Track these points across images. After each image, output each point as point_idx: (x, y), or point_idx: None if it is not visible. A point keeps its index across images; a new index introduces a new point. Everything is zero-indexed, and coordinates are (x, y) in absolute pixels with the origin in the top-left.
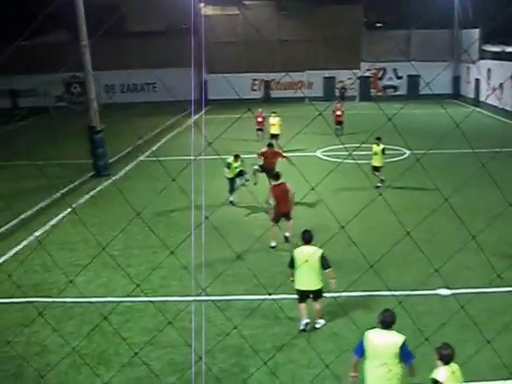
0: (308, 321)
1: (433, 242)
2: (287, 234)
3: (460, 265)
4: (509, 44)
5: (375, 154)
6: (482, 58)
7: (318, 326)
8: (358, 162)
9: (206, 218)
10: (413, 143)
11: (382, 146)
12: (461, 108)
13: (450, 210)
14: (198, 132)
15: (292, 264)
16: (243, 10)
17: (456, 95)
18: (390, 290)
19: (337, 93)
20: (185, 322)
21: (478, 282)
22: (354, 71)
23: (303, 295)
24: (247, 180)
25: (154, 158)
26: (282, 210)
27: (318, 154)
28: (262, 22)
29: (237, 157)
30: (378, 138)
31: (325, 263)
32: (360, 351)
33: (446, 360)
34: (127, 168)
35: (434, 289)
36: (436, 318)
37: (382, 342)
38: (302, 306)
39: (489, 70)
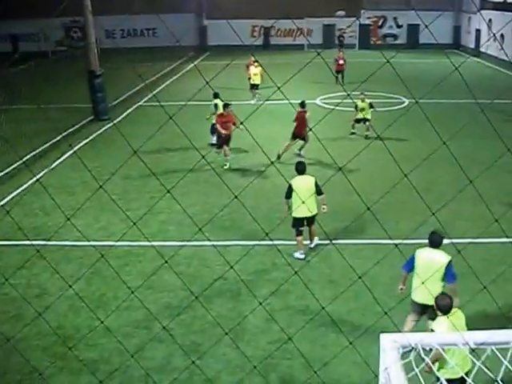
0: (306, 249)
1: (431, 190)
2: (301, 152)
3: (457, 214)
4: None
5: (362, 109)
6: (483, 8)
7: (312, 245)
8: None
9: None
10: (412, 92)
11: (368, 101)
12: (461, 58)
13: (448, 160)
14: (197, 78)
15: (289, 194)
16: None
17: (456, 45)
18: (388, 238)
19: (336, 40)
20: (182, 267)
21: (474, 232)
22: (354, 19)
23: (301, 224)
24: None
25: (154, 103)
26: (300, 131)
27: (318, 101)
28: None
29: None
30: (363, 94)
31: (319, 189)
32: (409, 267)
33: (445, 310)
34: (127, 112)
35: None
36: None
37: (430, 259)
38: (300, 238)
39: (490, 21)
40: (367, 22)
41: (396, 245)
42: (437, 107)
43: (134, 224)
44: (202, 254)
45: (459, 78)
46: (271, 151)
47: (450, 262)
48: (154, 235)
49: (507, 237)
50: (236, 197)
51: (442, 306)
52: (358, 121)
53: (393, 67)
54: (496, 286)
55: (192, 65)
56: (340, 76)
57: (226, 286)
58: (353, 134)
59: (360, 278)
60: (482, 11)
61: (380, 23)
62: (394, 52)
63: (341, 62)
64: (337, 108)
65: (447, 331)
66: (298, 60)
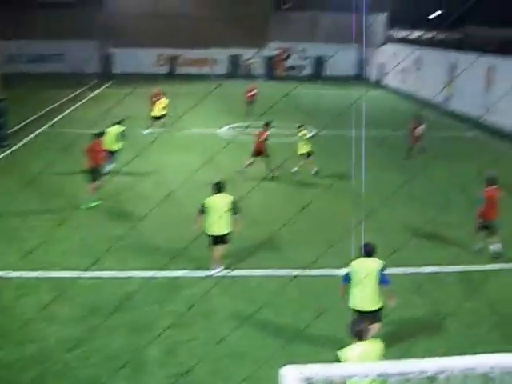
0: (218, 269)
1: (335, 221)
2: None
3: (359, 244)
4: (413, 29)
5: (302, 140)
6: (387, 41)
7: (211, 273)
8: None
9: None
10: (317, 123)
11: (305, 131)
12: (365, 90)
13: (352, 191)
14: (100, 105)
15: (203, 211)
16: None
17: (361, 77)
18: (289, 268)
19: (242, 71)
20: (81, 298)
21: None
22: (260, 50)
23: (214, 240)
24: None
25: (56, 130)
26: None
27: (221, 132)
28: None
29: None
30: (301, 126)
31: (236, 208)
32: (347, 279)
33: (358, 336)
34: (27, 139)
35: (333, 268)
36: (334, 296)
37: (365, 267)
38: (215, 251)
39: (393, 54)
40: (274, 53)
41: (295, 276)
42: (341, 138)
43: (31, 253)
44: (102, 285)
45: (363, 109)
46: (168, 180)
47: (383, 267)
48: (52, 265)
49: (408, 266)
50: (138, 224)
51: (355, 332)
52: (307, 155)
53: (288, 98)
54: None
55: (93, 93)
56: (251, 107)
57: (129, 318)
58: (316, 173)
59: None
60: (386, 45)
61: (286, 55)
62: (300, 83)
63: (252, 92)
64: (238, 139)
65: (357, 359)
66: (204, 90)
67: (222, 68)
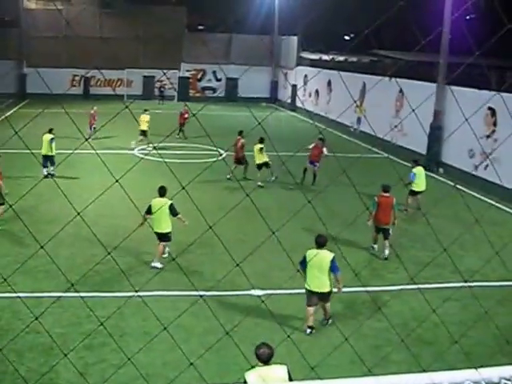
0: (160, 265)
1: (246, 242)
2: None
3: (272, 266)
4: (325, 52)
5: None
6: (299, 64)
7: (160, 266)
8: (172, 161)
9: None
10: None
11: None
12: (278, 112)
13: (264, 211)
14: (14, 125)
15: (149, 211)
16: (66, 5)
17: (274, 99)
18: (201, 290)
19: (156, 92)
20: None
21: (290, 283)
22: (173, 71)
23: (158, 237)
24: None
25: None
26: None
27: (136, 152)
28: (85, 18)
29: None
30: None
31: (173, 211)
32: (304, 265)
33: (263, 359)
34: None
35: (248, 289)
36: (250, 317)
37: (318, 256)
38: (158, 247)
39: (305, 76)
40: (187, 74)
41: (201, 296)
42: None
43: None
44: (14, 307)
45: (275, 131)
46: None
47: (334, 257)
48: None
49: None
50: (42, 247)
51: (259, 355)
52: (259, 167)
53: (198, 120)
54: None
55: (8, 113)
56: (182, 129)
57: (39, 340)
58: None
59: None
60: (298, 67)
61: (199, 76)
62: (212, 105)
63: (186, 115)
64: (154, 158)
65: (257, 380)
66: (117, 110)
67: (136, 89)
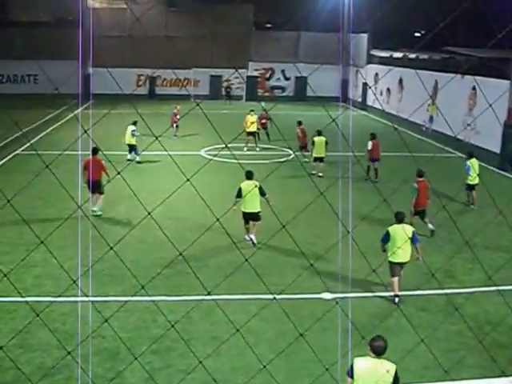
0: (253, 236)
1: (316, 244)
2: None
3: (344, 268)
4: (396, 49)
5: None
6: (369, 62)
7: (251, 237)
8: (241, 162)
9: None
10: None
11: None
12: (348, 111)
13: (335, 214)
14: (80, 126)
15: (239, 195)
16: (131, 4)
17: (344, 98)
18: (271, 293)
19: (223, 92)
20: (58, 324)
21: (361, 287)
22: (241, 70)
23: (247, 218)
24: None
25: (32, 152)
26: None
27: (202, 153)
28: (151, 17)
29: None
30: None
31: (262, 191)
32: (386, 239)
33: (377, 352)
34: (2, 162)
35: (318, 292)
36: (319, 322)
37: (402, 230)
38: (247, 226)
39: (376, 75)
40: (255, 73)
41: (275, 298)
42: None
43: (6, 277)
44: (79, 311)
45: (344, 131)
46: (152, 205)
47: (414, 232)
48: (27, 290)
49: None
50: (111, 248)
51: (374, 347)
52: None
53: (274, 122)
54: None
55: (72, 114)
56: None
57: (104, 345)
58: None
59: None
60: (369, 65)
61: (268, 75)
62: (282, 104)
63: (263, 121)
64: (219, 159)
65: (365, 370)
66: (184, 110)
67: (203, 88)
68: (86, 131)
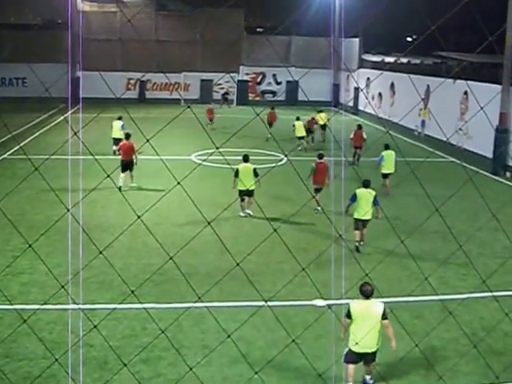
0: (250, 211)
1: (308, 250)
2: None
3: (335, 275)
4: (387, 54)
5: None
6: (361, 66)
7: (248, 211)
8: (233, 166)
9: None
10: (289, 149)
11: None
12: (340, 116)
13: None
14: (68, 130)
15: (236, 175)
16: (121, 7)
17: (336, 103)
18: (264, 300)
19: (218, 96)
20: (44, 333)
21: (354, 293)
22: (232, 74)
23: (243, 195)
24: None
25: (21, 156)
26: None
27: (193, 157)
28: (140, 20)
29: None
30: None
31: (256, 173)
32: (353, 200)
33: (367, 294)
34: None
35: (310, 299)
36: (312, 329)
37: (366, 193)
38: (242, 204)
39: (368, 79)
40: (245, 78)
41: (266, 301)
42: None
43: None
44: (66, 319)
45: (337, 134)
46: (141, 210)
47: (375, 194)
48: (14, 297)
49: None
50: (101, 252)
51: (364, 291)
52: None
53: (265, 124)
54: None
55: (62, 117)
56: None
57: (92, 353)
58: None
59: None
60: (360, 70)
61: (259, 79)
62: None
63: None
64: (212, 164)
65: (360, 311)
66: (174, 114)
67: (194, 93)
68: (75, 133)
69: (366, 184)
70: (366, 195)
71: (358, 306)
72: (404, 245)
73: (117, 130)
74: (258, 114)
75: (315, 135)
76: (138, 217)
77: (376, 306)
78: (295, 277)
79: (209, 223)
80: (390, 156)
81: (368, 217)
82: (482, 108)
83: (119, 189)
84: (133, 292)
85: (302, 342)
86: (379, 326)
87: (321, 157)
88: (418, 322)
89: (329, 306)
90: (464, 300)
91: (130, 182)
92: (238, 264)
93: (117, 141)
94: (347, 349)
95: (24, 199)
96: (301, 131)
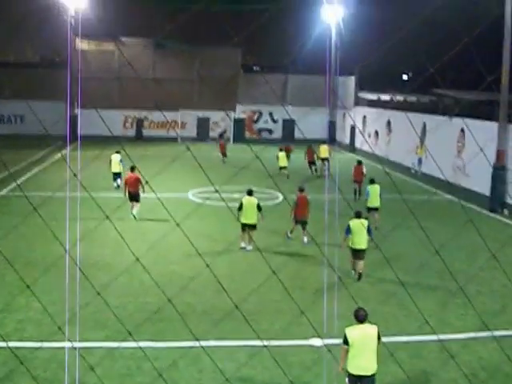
0: (250, 247)
1: (305, 288)
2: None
3: (332, 314)
4: (383, 92)
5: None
6: (357, 104)
7: (249, 248)
8: (229, 204)
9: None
10: (287, 187)
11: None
12: (336, 154)
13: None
14: (65, 168)
15: (240, 208)
16: (119, 46)
17: (332, 140)
18: (260, 339)
19: (212, 134)
20: (39, 371)
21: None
22: (229, 112)
23: (245, 227)
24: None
25: (18, 193)
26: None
27: (190, 195)
28: (138, 58)
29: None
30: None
31: (259, 207)
32: (348, 232)
33: (361, 319)
34: None
35: (307, 338)
36: (308, 369)
37: (359, 223)
38: (244, 235)
39: (364, 117)
40: (242, 116)
41: (265, 346)
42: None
43: None
44: (61, 357)
45: (333, 172)
46: (138, 250)
47: (369, 224)
48: (9, 335)
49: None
50: (99, 294)
51: (358, 316)
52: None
53: (261, 162)
54: None
55: (59, 155)
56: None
57: None
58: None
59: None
60: (356, 107)
61: (255, 118)
62: (269, 146)
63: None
64: (209, 203)
65: (357, 335)
66: (171, 152)
67: (190, 130)
68: (75, 174)
69: (358, 215)
70: (359, 225)
71: (354, 331)
72: (402, 284)
73: (116, 164)
74: (257, 157)
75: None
76: (137, 259)
77: (371, 328)
78: (293, 316)
79: (207, 266)
80: (375, 190)
81: (364, 246)
82: (481, 150)
83: (134, 217)
84: (130, 334)
85: (298, 381)
86: (375, 347)
87: (302, 190)
88: (416, 362)
89: (326, 346)
90: (463, 340)
91: (134, 211)
92: (237, 307)
93: (116, 175)
94: (347, 379)
95: (21, 236)
96: (283, 161)
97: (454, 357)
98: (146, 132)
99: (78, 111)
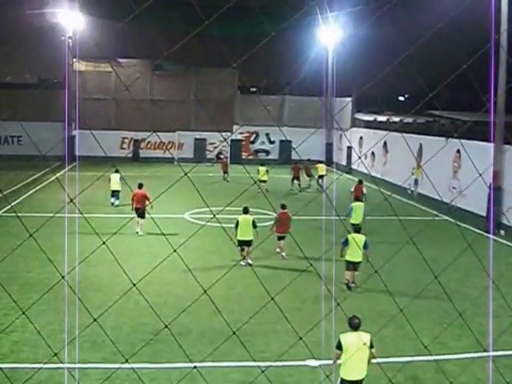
0: (249, 261)
1: (302, 310)
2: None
3: (329, 335)
4: (380, 113)
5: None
6: (353, 125)
7: (249, 261)
8: (224, 225)
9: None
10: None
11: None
12: (333, 175)
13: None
14: (62, 189)
15: (237, 225)
16: (117, 67)
17: (329, 162)
18: (255, 361)
19: (210, 155)
20: None
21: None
22: (226, 134)
23: (242, 244)
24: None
25: (14, 214)
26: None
27: (186, 216)
28: (135, 80)
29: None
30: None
31: (254, 225)
32: (345, 244)
33: (355, 327)
34: None
35: (303, 359)
36: None
37: (357, 238)
38: (241, 253)
39: (361, 138)
40: (239, 137)
41: (263, 371)
42: (309, 223)
43: None
44: (58, 379)
45: (330, 194)
46: (133, 270)
47: (366, 238)
48: (5, 356)
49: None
50: (95, 320)
51: (352, 324)
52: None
53: (258, 185)
54: None
55: (54, 177)
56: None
57: None
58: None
59: None
60: (353, 129)
61: (252, 138)
62: (269, 167)
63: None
64: (201, 223)
65: (350, 342)
66: (168, 173)
67: (187, 152)
68: (71, 200)
69: (356, 229)
70: (356, 239)
71: (348, 337)
72: (397, 306)
73: (115, 182)
74: (254, 181)
75: (301, 181)
76: (134, 285)
77: (364, 336)
78: (289, 337)
79: (205, 291)
80: (358, 207)
81: (359, 259)
82: (480, 175)
83: (137, 233)
84: (127, 360)
85: None
86: (368, 354)
87: (284, 207)
88: (412, 383)
89: (321, 368)
90: (459, 360)
91: (139, 229)
92: (234, 332)
93: (115, 193)
94: (339, 379)
95: (17, 257)
96: (263, 175)
97: (450, 378)
98: (142, 153)
99: (75, 132)
